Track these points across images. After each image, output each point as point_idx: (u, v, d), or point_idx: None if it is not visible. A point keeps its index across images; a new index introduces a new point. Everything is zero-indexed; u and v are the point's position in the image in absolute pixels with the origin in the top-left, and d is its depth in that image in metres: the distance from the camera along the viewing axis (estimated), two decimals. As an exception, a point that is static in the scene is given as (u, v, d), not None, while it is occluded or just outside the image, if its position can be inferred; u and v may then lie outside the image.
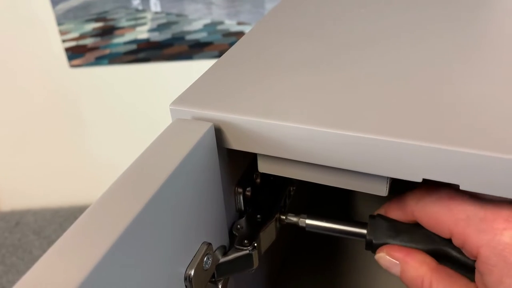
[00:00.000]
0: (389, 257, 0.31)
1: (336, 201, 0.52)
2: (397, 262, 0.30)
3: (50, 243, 1.21)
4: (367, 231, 0.33)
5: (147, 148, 0.25)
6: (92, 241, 0.19)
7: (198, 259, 0.26)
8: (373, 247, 0.33)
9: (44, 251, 1.26)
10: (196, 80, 0.31)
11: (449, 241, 0.30)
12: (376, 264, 0.32)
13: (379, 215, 0.34)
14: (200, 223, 0.27)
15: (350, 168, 0.26)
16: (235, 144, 0.28)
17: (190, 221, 0.26)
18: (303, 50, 0.34)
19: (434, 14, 0.40)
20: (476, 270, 0.27)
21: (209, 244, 0.28)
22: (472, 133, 0.24)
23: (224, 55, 0.34)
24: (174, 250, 0.25)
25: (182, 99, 0.28)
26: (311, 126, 0.26)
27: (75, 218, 0.98)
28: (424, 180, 0.25)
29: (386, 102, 0.27)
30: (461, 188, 0.25)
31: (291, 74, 0.31)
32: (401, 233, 0.32)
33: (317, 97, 0.28)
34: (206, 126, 0.26)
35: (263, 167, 0.31)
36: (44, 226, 1.26)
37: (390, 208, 0.33)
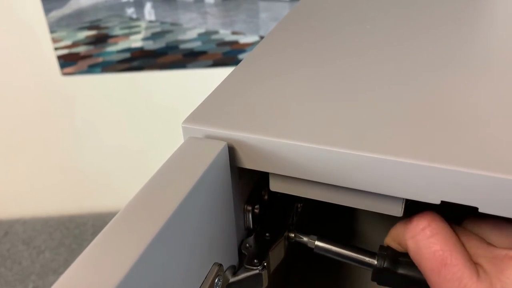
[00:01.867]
0: None
1: (339, 218, 0.52)
2: None
3: (40, 253, 1.19)
4: (376, 260, 0.32)
5: (161, 168, 0.24)
6: (106, 268, 0.18)
7: (210, 281, 0.26)
8: (380, 277, 0.32)
9: (33, 261, 1.24)
10: (208, 97, 0.31)
11: None
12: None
13: (390, 248, 0.33)
14: (212, 244, 0.26)
15: (366, 189, 0.26)
16: (248, 163, 0.27)
17: (202, 242, 0.25)
18: (314, 66, 0.34)
19: (444, 30, 0.40)
20: None
21: (220, 265, 0.27)
22: (491, 156, 0.24)
23: (234, 70, 0.34)
24: (187, 271, 0.24)
25: (194, 117, 0.28)
26: (328, 147, 0.25)
27: (65, 227, 0.97)
28: (442, 202, 0.25)
29: (402, 122, 0.27)
30: (480, 211, 0.24)
31: (304, 92, 0.30)
32: (410, 264, 0.31)
33: (331, 116, 0.28)
34: (220, 145, 0.25)
35: (275, 185, 0.30)
36: (34, 236, 1.24)
37: (392, 236, 0.32)
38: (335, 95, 0.30)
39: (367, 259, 0.33)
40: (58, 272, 1.14)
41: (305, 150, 0.26)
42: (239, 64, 0.35)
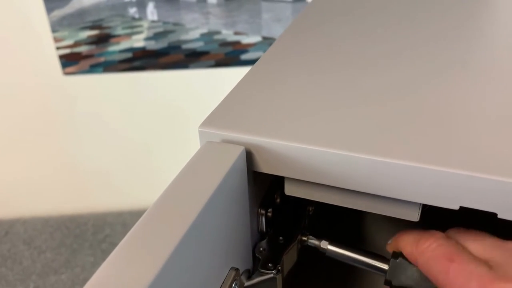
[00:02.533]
0: None
1: (346, 220, 0.52)
2: None
3: (41, 253, 1.19)
4: (388, 270, 0.32)
5: (181, 173, 0.24)
6: (130, 277, 0.18)
7: (227, 286, 0.26)
8: (391, 286, 0.32)
9: (34, 261, 1.24)
10: (223, 101, 0.30)
11: None
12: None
13: (402, 255, 0.33)
14: (229, 248, 0.26)
15: (383, 194, 0.26)
16: (265, 167, 0.27)
17: (220, 247, 0.25)
18: (330, 71, 0.34)
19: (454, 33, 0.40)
20: None
21: (237, 269, 0.27)
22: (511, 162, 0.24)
23: (247, 73, 0.34)
24: (205, 277, 0.24)
25: (211, 121, 0.28)
26: (347, 152, 0.25)
27: (66, 227, 0.96)
28: (461, 207, 0.25)
29: (420, 128, 0.27)
30: (499, 216, 0.24)
31: (318, 96, 0.30)
32: (421, 280, 0.31)
33: (349, 121, 0.28)
34: (238, 150, 0.25)
35: (290, 190, 0.30)
36: (35, 236, 1.24)
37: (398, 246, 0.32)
38: (350, 100, 0.30)
39: (379, 264, 0.33)
40: (59, 272, 1.13)
41: (323, 155, 0.26)
42: (252, 67, 0.35)
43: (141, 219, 0.21)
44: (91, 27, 1.10)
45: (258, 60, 0.36)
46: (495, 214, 0.24)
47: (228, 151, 0.25)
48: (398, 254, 0.33)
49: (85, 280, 1.10)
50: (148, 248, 0.19)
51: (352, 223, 0.52)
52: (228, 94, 0.31)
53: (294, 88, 0.31)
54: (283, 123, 0.27)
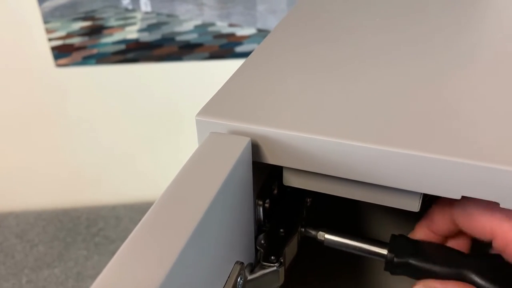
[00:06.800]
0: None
1: (344, 212, 0.52)
2: None
3: (33, 246, 1.18)
4: (389, 249, 0.32)
5: (186, 166, 0.23)
6: (140, 275, 0.18)
7: (233, 281, 0.25)
8: (393, 265, 0.32)
9: (27, 255, 1.23)
10: (220, 89, 0.30)
11: (473, 263, 0.29)
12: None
13: (401, 235, 0.33)
14: (234, 242, 0.26)
15: (383, 184, 0.26)
16: (266, 157, 0.27)
17: (226, 240, 0.25)
18: (331, 60, 0.33)
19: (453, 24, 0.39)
20: None
21: (242, 263, 0.27)
22: (519, 153, 0.24)
23: (244, 62, 0.33)
24: (211, 271, 0.23)
25: (209, 110, 0.27)
26: (347, 141, 0.25)
27: (59, 221, 0.95)
28: (463, 197, 0.25)
29: (421, 116, 0.27)
30: (501, 206, 0.24)
31: (318, 85, 0.30)
32: (424, 252, 0.31)
33: (350, 110, 0.27)
34: (244, 142, 0.25)
35: (289, 180, 0.30)
36: (27, 230, 1.23)
37: (420, 227, 0.33)
38: (350, 90, 0.30)
39: (378, 249, 0.33)
40: (52, 265, 1.13)
41: (324, 144, 0.25)
42: (247, 58, 0.34)
43: (149, 212, 0.20)
44: (84, 18, 1.08)
45: (253, 51, 0.35)
46: (497, 204, 0.24)
47: (234, 143, 0.25)
48: (397, 238, 0.33)
49: (78, 273, 1.09)
50: (158, 243, 0.19)
51: (349, 216, 0.52)
52: (225, 83, 0.30)
53: (293, 78, 0.31)
54: (286, 112, 0.27)
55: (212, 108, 0.28)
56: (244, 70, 0.32)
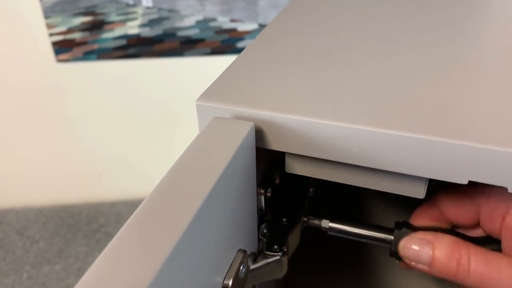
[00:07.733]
0: (420, 236, 0.29)
1: (346, 202, 0.51)
2: (428, 242, 0.28)
3: (34, 243, 1.17)
4: (394, 235, 0.32)
5: (187, 151, 0.23)
6: (140, 259, 0.17)
7: (236, 268, 0.25)
8: (398, 257, 0.32)
9: (27, 251, 1.23)
10: (221, 75, 0.29)
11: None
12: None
13: (405, 222, 0.33)
14: (236, 230, 0.26)
15: (388, 169, 0.25)
16: (274, 144, 0.26)
17: (229, 228, 0.24)
18: (334, 46, 0.33)
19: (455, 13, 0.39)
20: None
21: (245, 251, 0.26)
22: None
23: (246, 48, 0.33)
24: (214, 259, 0.23)
25: (209, 95, 0.27)
26: (352, 125, 0.24)
27: (59, 217, 0.95)
28: (469, 182, 0.24)
29: (426, 100, 0.26)
30: (509, 190, 0.24)
31: (322, 71, 0.30)
32: None
33: (354, 94, 0.27)
34: (248, 127, 0.24)
35: (292, 167, 0.29)
36: (27, 226, 1.22)
37: (420, 214, 0.32)
38: (357, 74, 0.29)
39: (383, 235, 0.33)
40: (52, 262, 1.12)
41: (328, 128, 0.25)
42: (251, 42, 0.34)
43: (149, 196, 0.20)
44: (85, 13, 1.08)
45: (255, 38, 0.35)
46: (505, 189, 0.24)
47: (237, 128, 0.24)
48: (401, 224, 0.32)
49: (79, 270, 1.09)
50: (158, 228, 0.18)
51: (350, 208, 0.52)
52: (226, 69, 0.30)
53: (296, 64, 0.31)
54: (291, 97, 0.26)
55: (214, 93, 0.27)
56: (246, 56, 0.32)
